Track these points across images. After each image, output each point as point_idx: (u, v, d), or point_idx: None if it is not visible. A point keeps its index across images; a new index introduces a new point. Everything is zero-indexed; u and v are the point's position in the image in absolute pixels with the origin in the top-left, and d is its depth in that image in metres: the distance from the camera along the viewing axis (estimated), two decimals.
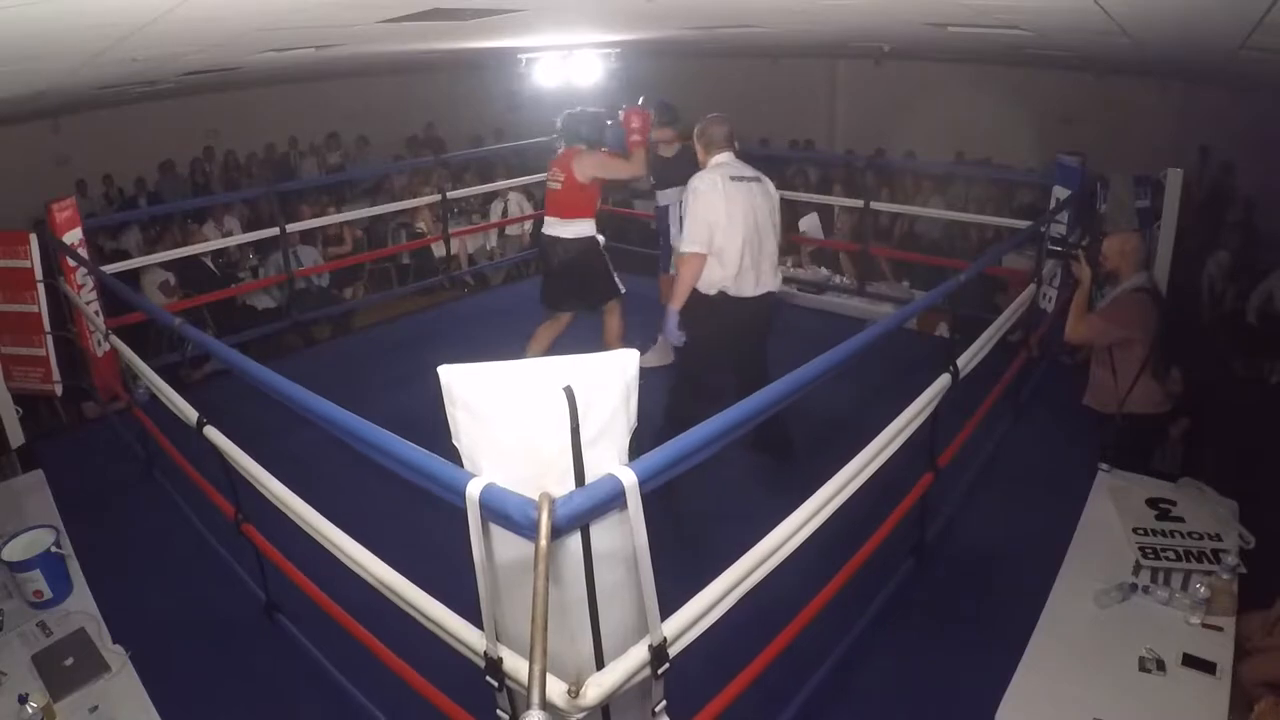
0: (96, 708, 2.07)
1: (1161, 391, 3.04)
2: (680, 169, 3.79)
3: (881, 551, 2.36)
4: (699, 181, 3.01)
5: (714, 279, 3.04)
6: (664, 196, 4.39)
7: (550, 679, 1.22)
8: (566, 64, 5.36)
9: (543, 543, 1.08)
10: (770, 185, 3.13)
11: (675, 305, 3.09)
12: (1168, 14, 2.54)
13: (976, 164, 7.54)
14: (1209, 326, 5.28)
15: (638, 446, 1.34)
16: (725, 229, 2.97)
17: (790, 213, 6.09)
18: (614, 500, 1.23)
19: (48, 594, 2.46)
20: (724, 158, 3.11)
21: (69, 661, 2.21)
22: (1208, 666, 2.05)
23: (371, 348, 5.18)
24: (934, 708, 2.29)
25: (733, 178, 3.02)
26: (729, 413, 1.51)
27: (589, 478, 1.25)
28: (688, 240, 3.00)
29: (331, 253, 6.60)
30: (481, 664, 1.40)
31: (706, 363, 3.22)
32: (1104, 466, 2.92)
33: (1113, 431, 3.03)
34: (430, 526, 2.75)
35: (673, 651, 1.41)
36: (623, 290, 4.01)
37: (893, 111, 8.40)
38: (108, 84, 4.75)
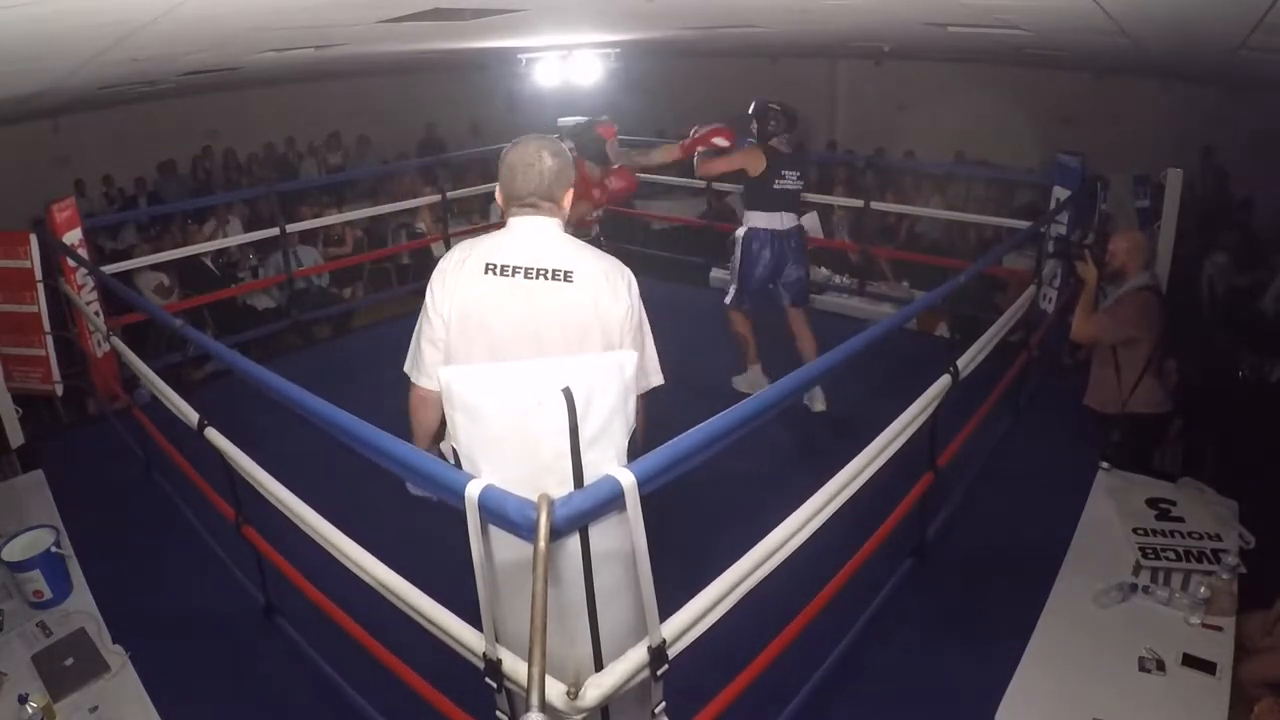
0: (96, 708, 2.07)
1: (1163, 391, 3.04)
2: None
3: (881, 551, 2.36)
4: (443, 260, 1.80)
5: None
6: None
7: (549, 680, 1.22)
8: (566, 64, 5.36)
9: (542, 544, 1.08)
10: (603, 291, 1.72)
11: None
12: (1167, 14, 2.54)
13: (976, 164, 7.54)
14: (1209, 326, 5.28)
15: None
16: (454, 355, 1.75)
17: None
18: (613, 501, 1.23)
19: (48, 594, 2.46)
20: (527, 224, 1.76)
21: (69, 661, 2.21)
22: (1208, 666, 2.06)
23: (371, 348, 5.17)
24: (934, 708, 2.29)
25: (493, 268, 1.71)
26: (729, 414, 1.51)
27: (588, 479, 1.25)
28: (410, 362, 1.84)
29: (331, 253, 6.60)
30: (481, 665, 1.40)
31: None
32: (1104, 465, 2.93)
33: (1115, 430, 3.04)
34: (430, 528, 2.76)
35: (672, 652, 1.41)
36: None
37: (893, 111, 8.40)
38: (108, 84, 4.75)
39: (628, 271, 1.80)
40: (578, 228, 3.93)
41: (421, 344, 1.79)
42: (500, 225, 1.82)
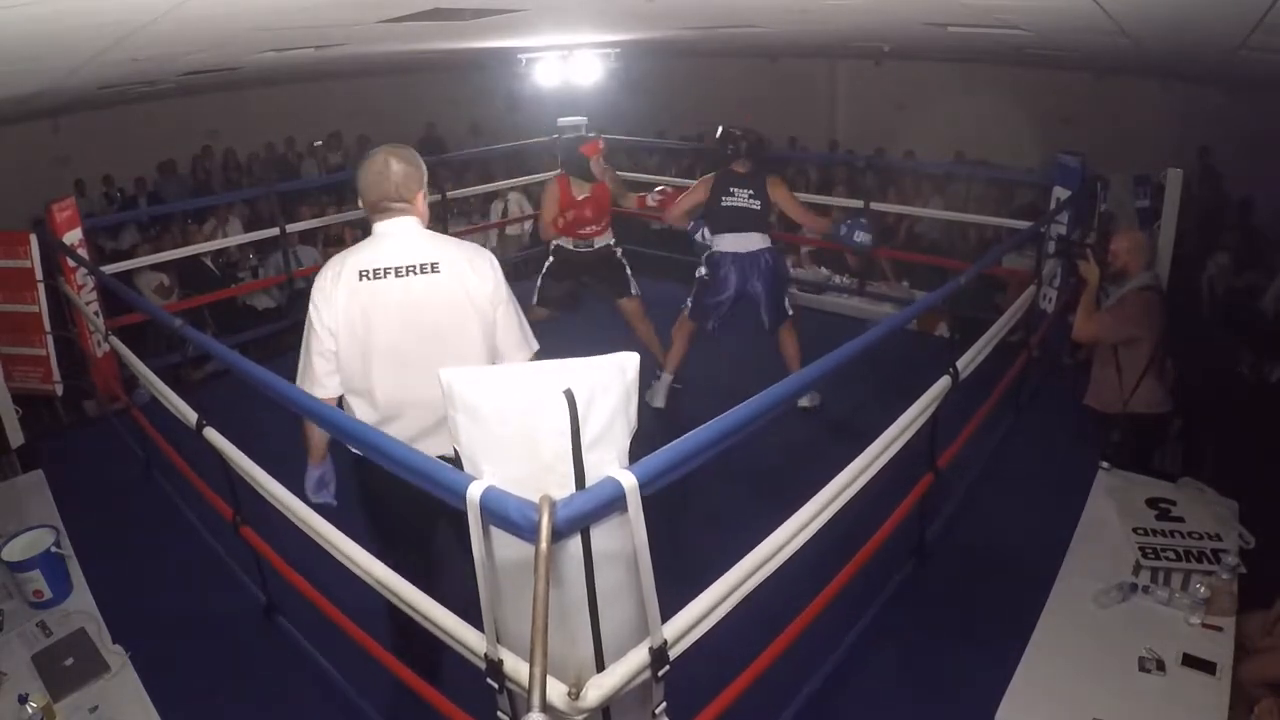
0: (96, 708, 2.07)
1: (1164, 391, 3.04)
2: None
3: (881, 552, 2.36)
4: (319, 276, 1.92)
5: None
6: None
7: (551, 681, 1.22)
8: (566, 64, 5.36)
9: (543, 545, 1.08)
10: (469, 275, 1.91)
11: (312, 459, 2.16)
12: (1167, 14, 2.54)
13: (976, 164, 7.54)
14: (1209, 326, 5.29)
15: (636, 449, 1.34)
16: (345, 361, 1.91)
17: None
18: (614, 503, 1.23)
19: (48, 594, 2.46)
20: (389, 226, 1.93)
21: (69, 661, 2.21)
22: (1208, 666, 2.06)
23: None
24: (934, 708, 2.29)
25: (366, 274, 1.87)
26: (730, 415, 1.51)
27: (589, 480, 1.25)
28: (301, 376, 1.96)
29: (331, 253, 6.57)
30: (482, 666, 1.40)
31: (379, 538, 2.01)
32: (1105, 465, 2.93)
33: (1115, 430, 3.04)
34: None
35: (674, 653, 1.41)
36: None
37: (893, 111, 8.41)
38: (108, 84, 4.75)
39: (486, 252, 1.98)
40: (566, 234, 4.03)
41: (312, 358, 1.92)
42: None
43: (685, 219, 3.94)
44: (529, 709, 0.98)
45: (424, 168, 1.98)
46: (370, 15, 2.71)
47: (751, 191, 3.77)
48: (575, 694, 1.27)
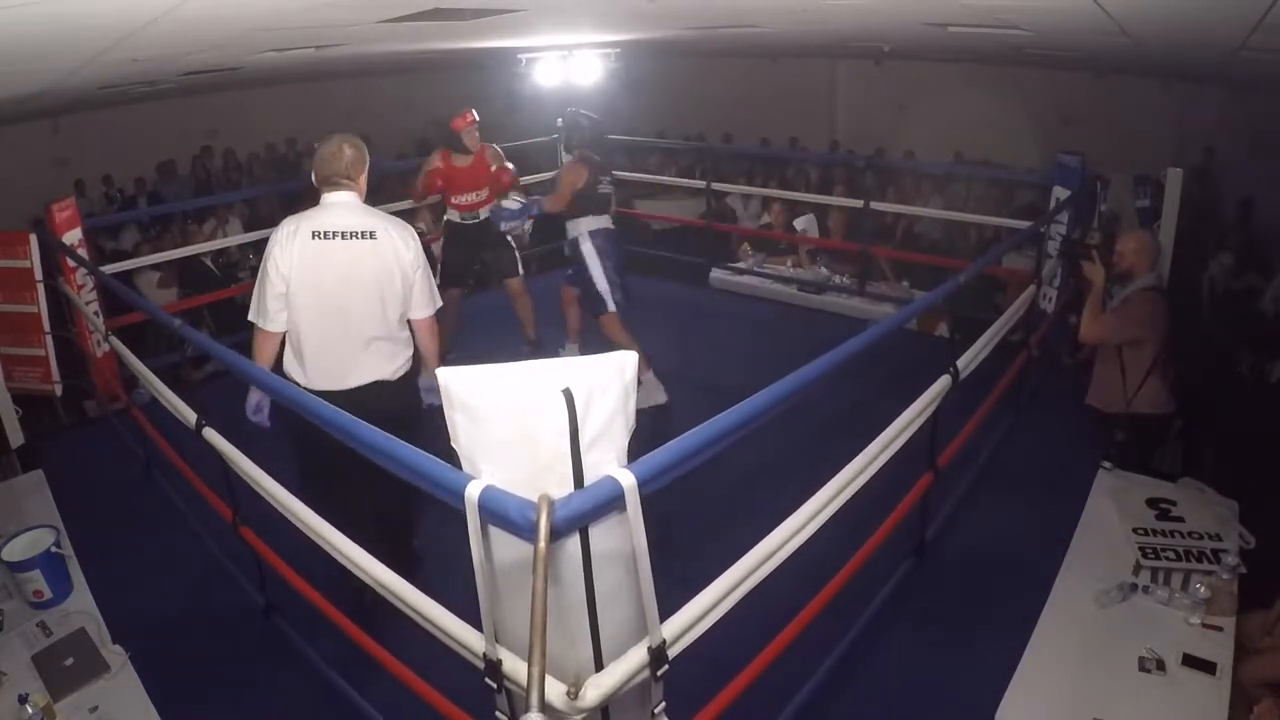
0: (96, 708, 2.07)
1: (1166, 392, 3.04)
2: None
3: (881, 552, 2.36)
4: (276, 232, 2.37)
5: (287, 365, 2.41)
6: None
7: (549, 680, 1.22)
8: (566, 64, 5.36)
9: (542, 544, 1.08)
10: (397, 243, 2.37)
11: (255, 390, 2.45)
12: (1167, 14, 2.54)
13: (976, 164, 7.54)
14: (1209, 326, 5.29)
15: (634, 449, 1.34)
16: (294, 300, 2.33)
17: (790, 214, 6.13)
18: (613, 502, 1.23)
19: (48, 594, 2.46)
20: (336, 197, 2.38)
21: (69, 661, 2.21)
22: (1208, 666, 2.06)
23: None
24: (934, 708, 2.29)
25: (318, 234, 2.32)
26: (729, 414, 1.51)
27: (588, 480, 1.25)
28: (255, 312, 2.39)
29: None
30: (481, 666, 1.40)
31: (305, 470, 2.46)
32: (1106, 465, 2.93)
33: (1119, 430, 3.03)
34: (429, 528, 2.75)
35: (672, 653, 1.41)
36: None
37: (893, 111, 8.40)
38: (108, 84, 4.75)
39: (410, 228, 2.46)
40: (440, 197, 4.27)
41: (266, 298, 2.34)
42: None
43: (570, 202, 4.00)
44: (527, 709, 0.97)
45: (368, 156, 2.45)
46: (370, 15, 2.71)
47: (609, 177, 4.07)
48: (574, 694, 1.26)
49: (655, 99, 9.00)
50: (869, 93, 9.02)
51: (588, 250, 3.92)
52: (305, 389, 2.16)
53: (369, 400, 2.28)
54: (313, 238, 2.31)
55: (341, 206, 2.37)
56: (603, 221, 3.98)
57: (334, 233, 2.32)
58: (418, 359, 2.54)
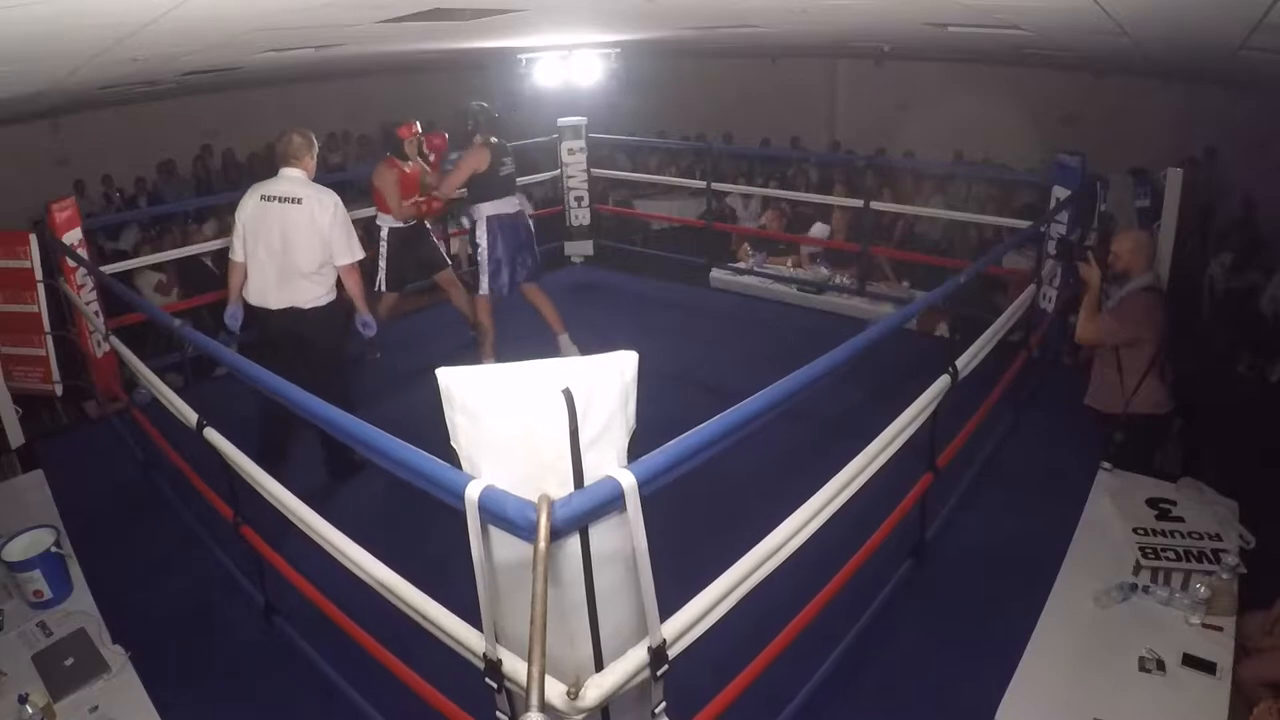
0: (96, 708, 2.07)
1: (1165, 392, 3.04)
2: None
3: (881, 551, 2.36)
4: (244, 196, 3.22)
5: (247, 288, 3.28)
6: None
7: (549, 680, 1.22)
8: (566, 64, 5.36)
9: (542, 545, 1.08)
10: (316, 207, 3.11)
11: (232, 299, 3.37)
12: (1168, 14, 2.54)
13: (976, 164, 7.54)
14: (1209, 326, 5.29)
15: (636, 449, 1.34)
16: (247, 243, 3.18)
17: (794, 215, 6.14)
18: (613, 502, 1.23)
19: (48, 594, 2.46)
20: (285, 172, 3.18)
21: (69, 661, 2.21)
22: (1208, 666, 2.06)
23: None
24: (934, 708, 2.29)
25: (264, 197, 3.14)
26: (730, 414, 1.51)
27: (588, 480, 1.25)
28: (232, 249, 3.26)
29: None
30: (481, 666, 1.40)
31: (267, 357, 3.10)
32: (1106, 465, 2.93)
33: (1118, 431, 3.03)
34: (429, 528, 2.75)
35: (672, 653, 1.41)
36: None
37: (893, 111, 8.40)
38: (108, 84, 4.75)
39: (334, 195, 3.18)
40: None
41: (234, 240, 3.23)
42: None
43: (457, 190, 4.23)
44: (528, 709, 0.97)
45: (315, 144, 3.24)
46: (370, 15, 2.71)
47: (511, 158, 4.24)
48: (574, 693, 1.27)
49: (655, 99, 9.00)
50: (869, 93, 9.02)
51: (481, 234, 4.17)
52: (247, 302, 3.27)
53: (286, 320, 3.21)
54: (261, 199, 3.15)
55: (286, 179, 3.17)
56: (504, 206, 4.17)
57: (274, 197, 3.14)
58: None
